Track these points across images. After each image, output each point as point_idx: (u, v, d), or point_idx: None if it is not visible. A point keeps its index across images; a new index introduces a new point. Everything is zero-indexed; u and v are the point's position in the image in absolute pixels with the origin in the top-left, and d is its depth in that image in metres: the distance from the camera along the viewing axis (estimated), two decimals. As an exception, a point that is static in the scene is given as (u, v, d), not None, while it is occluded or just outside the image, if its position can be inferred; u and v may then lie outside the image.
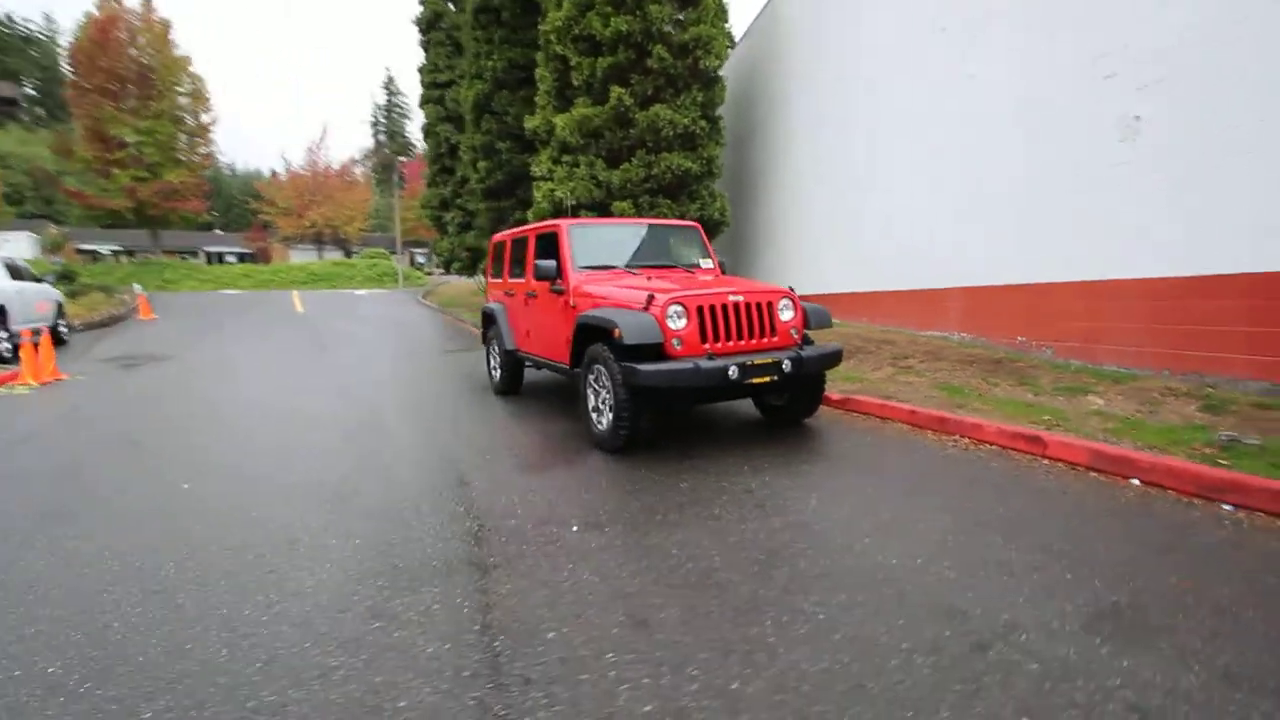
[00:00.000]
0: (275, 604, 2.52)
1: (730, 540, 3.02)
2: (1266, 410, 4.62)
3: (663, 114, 10.48)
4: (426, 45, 19.52)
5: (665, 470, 4.13)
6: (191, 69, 29.24)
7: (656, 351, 4.41)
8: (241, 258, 46.40)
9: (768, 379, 4.49)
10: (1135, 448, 4.04)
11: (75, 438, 5.42)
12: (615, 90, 10.48)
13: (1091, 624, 2.24)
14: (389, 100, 69.69)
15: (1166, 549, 2.84)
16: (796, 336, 4.87)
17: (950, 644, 2.14)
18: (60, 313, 11.90)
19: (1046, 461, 4.12)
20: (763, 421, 5.52)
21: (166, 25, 28.36)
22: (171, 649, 2.22)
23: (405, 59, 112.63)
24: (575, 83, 11.05)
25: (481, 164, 15.03)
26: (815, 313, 5.06)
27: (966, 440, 4.67)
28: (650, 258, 5.91)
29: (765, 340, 4.70)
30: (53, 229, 34.26)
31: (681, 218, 10.12)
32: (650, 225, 6.29)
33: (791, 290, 4.98)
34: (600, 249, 5.77)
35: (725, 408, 6.00)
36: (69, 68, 27.90)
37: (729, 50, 12.19)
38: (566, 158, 11.44)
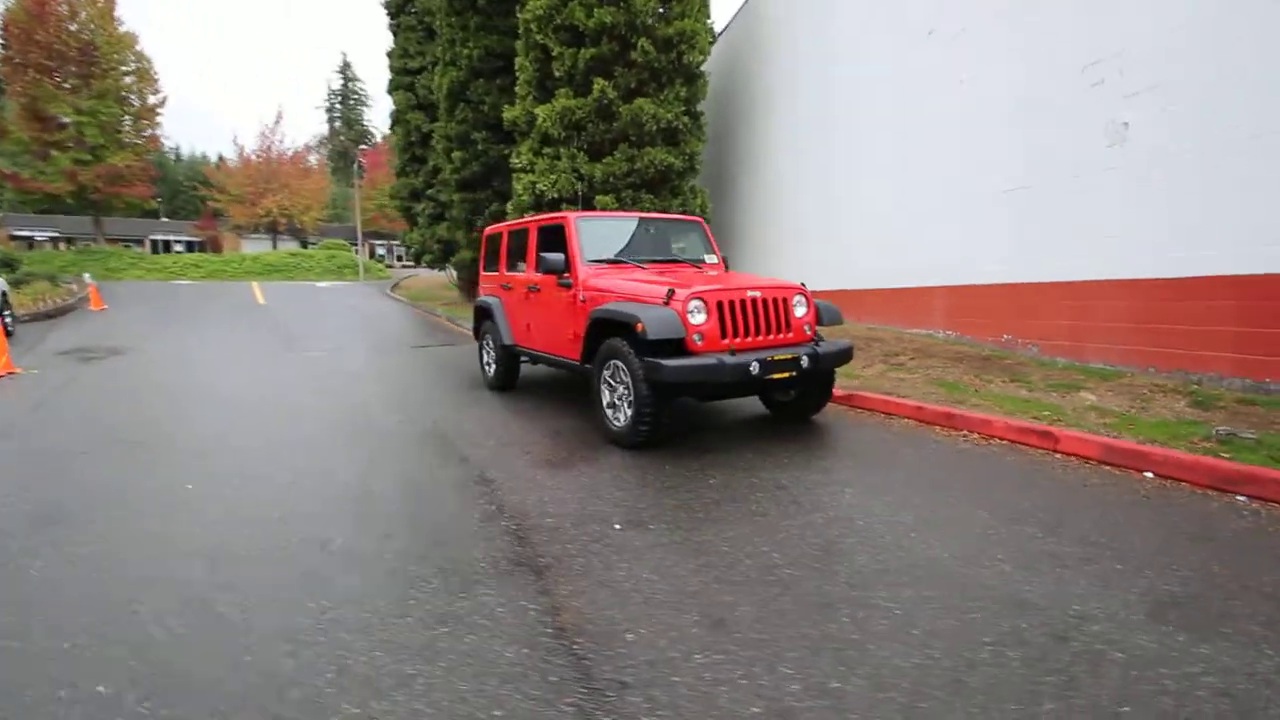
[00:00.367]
0: (327, 610, 2.40)
1: (779, 536, 3.01)
2: (1252, 406, 4.86)
3: (646, 108, 10.42)
4: (396, 29, 18.97)
5: (689, 466, 4.10)
6: (138, 47, 27.81)
7: (677, 347, 4.37)
8: (190, 246, 44.49)
9: (786, 375, 4.50)
10: (1139, 441, 4.20)
11: (51, 436, 5.08)
12: (598, 83, 10.37)
13: (1156, 613, 2.30)
14: (345, 86, 67.68)
15: (1198, 539, 2.95)
16: (810, 333, 4.90)
17: (1030, 636, 2.17)
18: (5, 302, 11.18)
19: (1059, 456, 4.24)
20: (767, 417, 5.54)
21: (111, 0, 26.90)
22: (230, 661, 2.09)
23: (363, 44, 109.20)
24: (557, 73, 10.89)
25: (456, 154, 14.70)
26: (827, 309, 5.10)
27: (976, 435, 4.77)
28: (656, 252, 5.86)
29: (781, 336, 4.71)
30: (-18, 213, 32.19)
31: (664, 212, 10.09)
32: (655, 219, 6.24)
33: (804, 286, 5.01)
34: (606, 243, 5.69)
35: (727, 403, 5.99)
36: (0, 42, 26.17)
37: (710, 46, 12.21)
38: (548, 150, 11.27)
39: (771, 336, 4.65)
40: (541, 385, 7.18)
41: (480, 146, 14.29)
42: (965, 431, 4.87)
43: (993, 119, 7.34)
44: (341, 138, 64.26)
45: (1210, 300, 5.37)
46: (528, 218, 6.69)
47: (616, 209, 10.36)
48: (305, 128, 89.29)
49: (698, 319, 4.39)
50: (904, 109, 8.60)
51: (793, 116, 11.01)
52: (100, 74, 26.14)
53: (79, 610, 2.42)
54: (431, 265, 19.55)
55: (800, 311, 4.85)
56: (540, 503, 3.52)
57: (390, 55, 19.04)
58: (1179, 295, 5.60)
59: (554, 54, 10.80)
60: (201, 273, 28.15)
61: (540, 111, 10.88)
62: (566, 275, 5.42)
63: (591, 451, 4.54)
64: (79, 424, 5.45)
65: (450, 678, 1.99)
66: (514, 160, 11.77)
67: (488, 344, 7.05)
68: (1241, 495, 3.40)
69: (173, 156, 57.10)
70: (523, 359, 6.73)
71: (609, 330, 4.79)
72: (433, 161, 17.51)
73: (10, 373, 7.67)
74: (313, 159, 46.48)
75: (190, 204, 51.44)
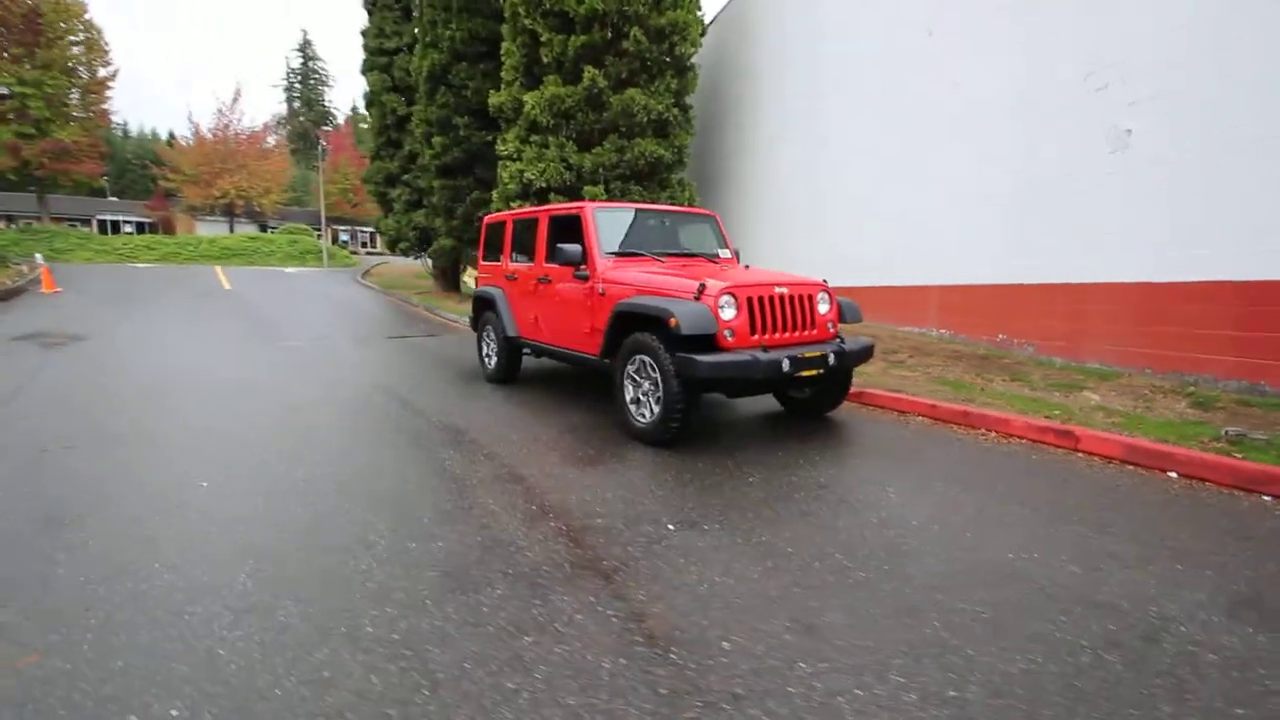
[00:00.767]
0: (397, 618, 2.27)
1: (840, 538, 2.98)
2: (1250, 407, 5.05)
3: (637, 98, 10.29)
4: (372, 8, 18.31)
5: (723, 464, 4.05)
6: (86, 16, 26.31)
7: (707, 343, 4.31)
8: (141, 228, 42.49)
9: (814, 372, 4.49)
10: (1152, 440, 4.31)
11: (32, 428, 4.74)
12: (589, 71, 10.19)
13: (1234, 612, 2.35)
14: (305, 65, 65.44)
15: (1244, 537, 3.03)
16: (833, 330, 4.90)
17: (1123, 639, 2.18)
18: (-49, 283, 10.46)
19: (1080, 455, 4.33)
20: (780, 413, 5.53)
21: (56, -36, 25.35)
22: (307, 678, 1.95)
23: (326, 21, 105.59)
24: (545, 60, 10.66)
25: (437, 139, 14.30)
26: (849, 307, 5.11)
27: (994, 434, 4.84)
28: (670, 245, 5.78)
29: (806, 333, 4.69)
30: (-89, 187, 30.12)
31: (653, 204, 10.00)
32: (668, 212, 6.16)
33: (826, 283, 4.99)
34: (621, 235, 5.58)
35: (739, 399, 5.96)
36: (-66, 4, 24.45)
37: (701, 38, 12.11)
38: (535, 138, 11.04)
39: (797, 333, 4.63)
40: (540, 378, 7.04)
41: (462, 132, 13.92)
42: (983, 430, 4.93)
43: (992, 122, 7.46)
44: (301, 119, 62.15)
45: (1210, 304, 5.55)
46: (535, 207, 6.52)
47: (605, 199, 10.22)
48: (264, 106, 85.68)
49: (728, 314, 4.33)
50: (902, 109, 8.67)
51: (783, 110, 11.01)
52: (46, 44, 24.66)
53: (124, 629, 2.23)
54: (407, 253, 19.01)
55: (824, 308, 4.84)
56: (583, 502, 3.42)
57: (365, 34, 18.38)
58: (1179, 299, 5.78)
59: (543, 39, 10.56)
60: (155, 255, 26.86)
61: (528, 98, 10.64)
62: (583, 267, 5.30)
63: (617, 448, 4.44)
64: (60, 415, 5.10)
65: (553, 690, 1.90)
66: (500, 147, 11.49)
67: (488, 336, 6.87)
68: (1267, 495, 3.51)
69: (120, 133, 54.37)
70: (525, 352, 6.59)
71: (634, 324, 4.70)
72: (409, 146, 17.00)
73: (-32, 359, 7.16)
74: (272, 140, 44.74)
75: (140, 183, 49.07)
